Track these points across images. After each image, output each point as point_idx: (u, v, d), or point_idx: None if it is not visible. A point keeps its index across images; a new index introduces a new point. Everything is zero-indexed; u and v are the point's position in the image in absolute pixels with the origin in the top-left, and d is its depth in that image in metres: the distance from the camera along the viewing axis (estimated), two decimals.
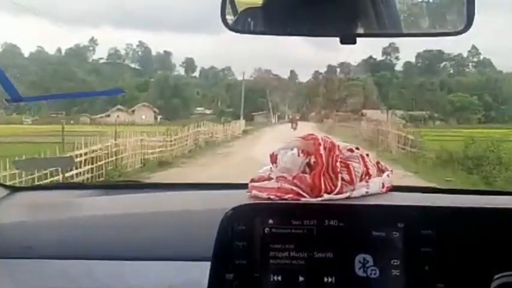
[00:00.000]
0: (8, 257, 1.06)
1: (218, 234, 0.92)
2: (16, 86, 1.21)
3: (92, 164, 9.51)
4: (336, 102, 33.27)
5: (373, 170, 1.18)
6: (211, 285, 0.90)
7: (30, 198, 1.41)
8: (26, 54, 37.23)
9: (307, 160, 1.12)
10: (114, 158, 10.57)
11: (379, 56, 39.62)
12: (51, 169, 6.42)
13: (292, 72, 42.69)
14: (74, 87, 28.72)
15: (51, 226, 1.14)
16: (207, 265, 0.91)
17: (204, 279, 0.91)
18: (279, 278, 0.90)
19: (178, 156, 13.75)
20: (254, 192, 1.15)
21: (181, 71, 44.07)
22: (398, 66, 40.18)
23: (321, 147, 1.12)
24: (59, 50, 40.05)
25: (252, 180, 1.19)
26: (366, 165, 1.16)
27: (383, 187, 1.18)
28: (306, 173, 1.11)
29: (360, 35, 1.02)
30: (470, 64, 41.06)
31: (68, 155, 7.92)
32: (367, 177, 1.16)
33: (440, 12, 1.11)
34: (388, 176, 1.21)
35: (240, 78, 37.98)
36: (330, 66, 39.73)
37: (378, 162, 1.23)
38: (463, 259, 0.91)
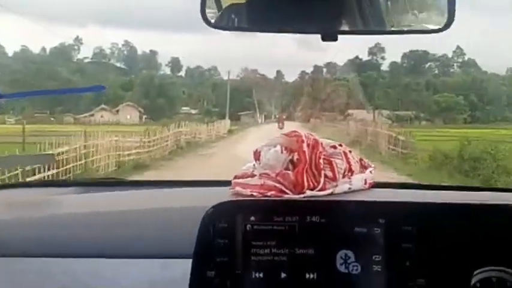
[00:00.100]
0: None
1: (199, 232, 0.91)
2: None
3: (58, 168, 8.58)
4: (323, 102, 33.44)
5: (355, 167, 1.18)
6: (192, 282, 0.90)
7: (8, 195, 1.39)
8: (10, 54, 36.81)
9: (290, 157, 1.12)
10: (83, 161, 9.88)
11: (365, 56, 40.00)
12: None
13: (278, 72, 42.89)
14: (58, 86, 28.23)
15: (30, 224, 1.12)
16: (188, 263, 0.91)
17: (185, 276, 0.90)
18: (261, 274, 0.90)
19: (157, 158, 13.10)
20: (237, 189, 1.14)
21: (167, 70, 43.97)
22: (384, 66, 40.63)
23: (304, 144, 1.12)
24: (43, 49, 39.67)
25: (236, 177, 1.19)
26: (348, 162, 1.16)
27: (365, 183, 1.18)
28: (289, 170, 1.11)
29: (342, 32, 1.02)
30: (455, 64, 41.66)
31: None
32: (349, 174, 1.16)
33: (422, 9, 1.12)
34: (370, 172, 1.22)
35: (226, 78, 38.01)
36: (316, 66, 40.01)
37: (360, 159, 1.24)
38: (444, 255, 0.92)
